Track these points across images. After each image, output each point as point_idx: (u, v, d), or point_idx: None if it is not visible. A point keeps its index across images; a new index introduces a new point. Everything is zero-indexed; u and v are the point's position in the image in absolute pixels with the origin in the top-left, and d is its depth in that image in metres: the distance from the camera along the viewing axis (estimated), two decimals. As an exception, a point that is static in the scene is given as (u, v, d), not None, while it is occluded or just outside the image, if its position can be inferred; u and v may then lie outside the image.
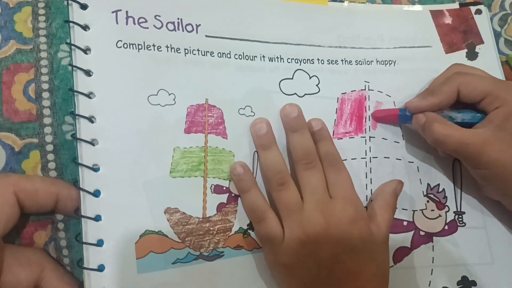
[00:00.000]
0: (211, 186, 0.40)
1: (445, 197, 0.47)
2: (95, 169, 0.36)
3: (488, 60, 0.49)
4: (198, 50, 0.41)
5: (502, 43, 0.51)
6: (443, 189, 0.47)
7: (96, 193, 0.36)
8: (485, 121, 0.41)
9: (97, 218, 0.36)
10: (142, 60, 0.39)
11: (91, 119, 0.36)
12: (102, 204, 0.36)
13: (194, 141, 0.40)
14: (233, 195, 0.41)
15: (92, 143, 0.36)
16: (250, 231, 0.41)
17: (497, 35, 0.51)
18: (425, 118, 0.43)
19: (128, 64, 0.38)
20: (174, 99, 0.40)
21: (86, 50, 0.37)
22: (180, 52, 0.40)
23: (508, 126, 0.40)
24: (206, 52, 0.42)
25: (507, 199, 0.43)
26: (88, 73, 0.37)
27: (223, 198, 0.41)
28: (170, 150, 0.39)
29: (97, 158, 0.36)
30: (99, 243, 0.36)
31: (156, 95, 0.39)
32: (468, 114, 0.43)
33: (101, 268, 0.36)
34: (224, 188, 0.41)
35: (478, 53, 0.50)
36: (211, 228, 0.40)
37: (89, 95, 0.36)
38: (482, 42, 0.50)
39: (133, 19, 0.39)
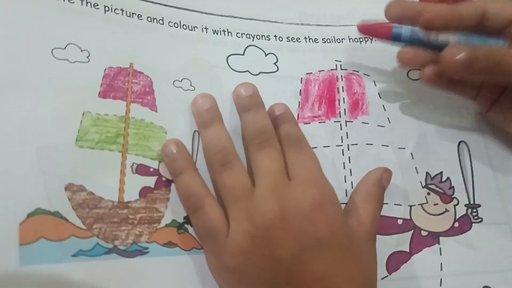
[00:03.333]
0: (133, 165, 0.34)
1: (452, 188, 0.39)
2: None
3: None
4: (122, 10, 0.38)
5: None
6: (448, 178, 0.39)
7: None
8: None
9: (-34, 187, 0.29)
10: (46, 9, 0.35)
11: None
12: (-26, 168, 0.29)
13: (111, 107, 0.34)
14: (164, 179, 0.34)
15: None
16: (188, 226, 0.34)
17: None
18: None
19: (25, 10, 0.34)
20: (88, 57, 0.35)
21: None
22: (98, 8, 0.37)
23: None
24: (133, 13, 0.38)
25: None
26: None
27: (150, 181, 0.34)
28: (78, 114, 0.33)
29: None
30: (-34, 220, 0.29)
31: (64, 49, 0.34)
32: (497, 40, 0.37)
33: (-36, 256, 0.28)
34: (152, 169, 0.34)
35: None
36: (131, 216, 0.32)
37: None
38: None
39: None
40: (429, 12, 0.35)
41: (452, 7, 0.35)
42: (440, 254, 0.37)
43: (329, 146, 0.39)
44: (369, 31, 0.40)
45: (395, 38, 0.39)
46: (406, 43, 0.38)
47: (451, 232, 0.38)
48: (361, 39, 0.44)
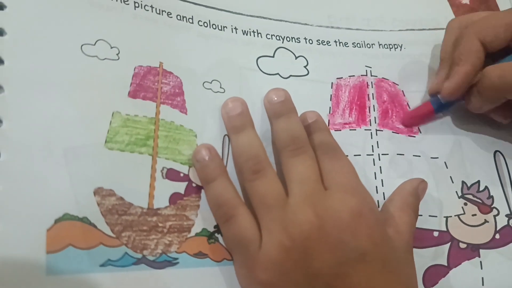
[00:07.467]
0: (163, 169, 0.32)
1: (490, 197, 0.38)
2: None
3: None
4: (151, 7, 0.36)
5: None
6: (486, 187, 0.38)
7: None
8: None
9: (-9, 189, 0.27)
10: (76, 3, 0.33)
11: (-3, 60, 0.29)
12: (1, 171, 0.28)
13: (141, 108, 0.33)
14: (194, 185, 0.33)
15: (-5, 89, 0.29)
16: (219, 236, 0.32)
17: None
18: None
19: (53, 4, 0.32)
20: (117, 54, 0.33)
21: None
22: (128, 4, 0.35)
23: None
24: (162, 11, 0.36)
25: None
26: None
27: (180, 187, 0.32)
28: (107, 114, 0.32)
29: (-1, 108, 0.29)
30: (-10, 225, 0.27)
31: (93, 45, 0.33)
32: None
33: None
34: (182, 175, 0.33)
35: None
36: (160, 224, 0.31)
37: (-3, 31, 0.30)
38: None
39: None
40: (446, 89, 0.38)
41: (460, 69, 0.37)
42: (481, 268, 0.36)
43: (360, 155, 0.38)
44: (414, 120, 0.40)
45: (439, 110, 0.39)
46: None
47: (492, 244, 0.37)
48: (391, 46, 0.43)
